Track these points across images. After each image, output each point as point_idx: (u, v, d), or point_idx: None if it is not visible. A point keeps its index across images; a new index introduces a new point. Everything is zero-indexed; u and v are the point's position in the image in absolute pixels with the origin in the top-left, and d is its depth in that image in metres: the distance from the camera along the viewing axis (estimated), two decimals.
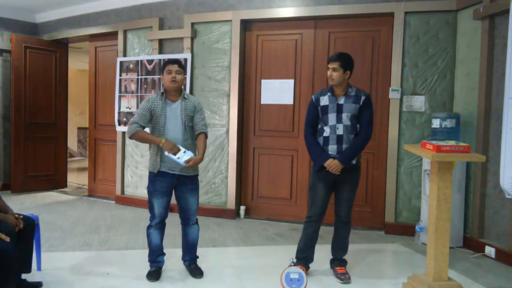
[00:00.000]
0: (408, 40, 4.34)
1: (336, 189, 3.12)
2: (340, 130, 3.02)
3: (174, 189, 3.09)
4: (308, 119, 3.18)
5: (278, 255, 3.62)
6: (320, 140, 3.10)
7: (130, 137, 3.01)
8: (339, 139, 3.02)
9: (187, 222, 3.15)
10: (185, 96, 3.09)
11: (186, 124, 3.04)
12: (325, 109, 3.08)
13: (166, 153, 2.89)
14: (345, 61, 3.03)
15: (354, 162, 3.03)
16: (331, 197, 3.17)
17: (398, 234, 4.36)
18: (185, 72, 3.10)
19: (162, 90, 3.08)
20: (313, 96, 3.19)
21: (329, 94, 3.10)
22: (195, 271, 3.14)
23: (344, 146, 3.02)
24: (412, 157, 4.35)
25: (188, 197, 3.09)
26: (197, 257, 3.24)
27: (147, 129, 3.07)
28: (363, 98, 3.04)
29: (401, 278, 3.09)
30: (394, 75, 4.38)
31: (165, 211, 3.09)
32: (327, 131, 3.06)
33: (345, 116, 3.02)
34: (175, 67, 3.01)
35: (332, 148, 3.04)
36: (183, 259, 3.23)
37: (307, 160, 4.68)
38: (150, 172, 3.07)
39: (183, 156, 2.89)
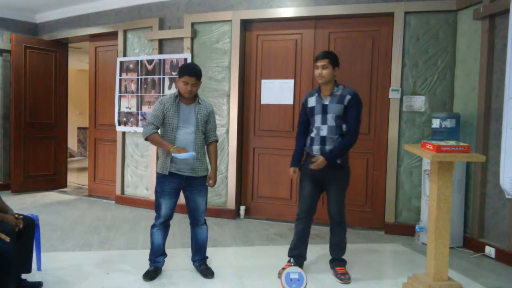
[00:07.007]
0: (408, 40, 4.34)
1: (325, 189, 3.16)
2: (324, 132, 3.06)
3: (182, 190, 3.11)
4: (299, 120, 3.29)
5: (278, 255, 3.61)
6: (308, 140, 3.16)
7: (146, 139, 3.02)
8: (323, 140, 3.06)
9: (196, 222, 3.17)
10: (199, 101, 3.10)
11: (200, 127, 3.06)
12: (312, 110, 3.14)
13: (173, 154, 2.91)
14: (333, 58, 3.08)
15: (339, 161, 3.04)
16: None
17: (398, 234, 4.36)
18: (200, 81, 3.08)
19: (176, 93, 3.07)
20: (305, 96, 3.26)
21: (316, 94, 3.16)
22: (206, 272, 3.14)
23: (328, 147, 3.05)
24: (412, 157, 4.35)
25: (197, 197, 3.11)
26: (207, 257, 3.25)
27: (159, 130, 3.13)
28: (348, 97, 3.05)
29: (401, 278, 3.09)
30: (394, 75, 4.38)
31: (171, 212, 3.10)
32: (313, 132, 3.13)
33: (330, 117, 3.06)
34: (192, 80, 2.97)
35: (316, 149, 3.08)
36: (193, 259, 3.23)
37: None
38: (158, 173, 3.07)
39: (187, 153, 2.92)
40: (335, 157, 3.01)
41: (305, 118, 3.21)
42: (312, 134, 3.12)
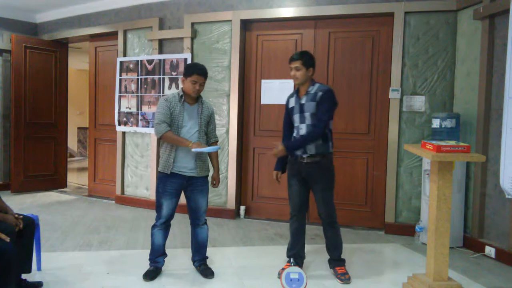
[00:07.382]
0: (408, 40, 4.34)
1: (311, 189, 3.17)
2: (303, 130, 3.08)
3: (183, 190, 3.11)
4: (283, 123, 3.31)
5: (278, 255, 3.61)
6: (292, 140, 3.18)
7: (160, 137, 3.01)
8: None
9: (196, 222, 3.17)
10: (202, 101, 3.13)
11: (202, 127, 3.09)
12: (291, 110, 3.19)
13: (193, 149, 2.92)
14: (306, 59, 3.09)
15: (298, 153, 3.05)
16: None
17: (398, 234, 4.36)
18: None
19: (181, 93, 3.07)
20: (286, 98, 3.29)
21: (295, 95, 3.19)
22: (206, 272, 3.14)
23: (308, 145, 3.06)
24: (412, 157, 4.35)
25: (198, 197, 3.11)
26: (207, 257, 3.25)
27: None
28: (319, 94, 3.05)
29: (401, 278, 3.09)
30: (394, 75, 4.38)
31: (172, 212, 3.10)
32: (294, 132, 3.17)
33: (307, 116, 3.07)
34: (201, 79, 3.00)
35: None
36: (193, 259, 3.24)
37: None
38: (160, 172, 3.07)
39: (210, 147, 2.99)
40: (294, 147, 3.05)
41: (288, 119, 3.24)
42: (294, 134, 3.16)
